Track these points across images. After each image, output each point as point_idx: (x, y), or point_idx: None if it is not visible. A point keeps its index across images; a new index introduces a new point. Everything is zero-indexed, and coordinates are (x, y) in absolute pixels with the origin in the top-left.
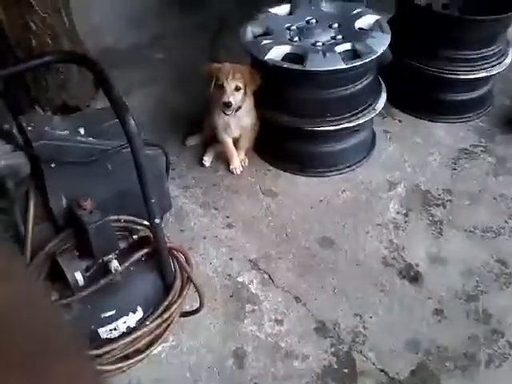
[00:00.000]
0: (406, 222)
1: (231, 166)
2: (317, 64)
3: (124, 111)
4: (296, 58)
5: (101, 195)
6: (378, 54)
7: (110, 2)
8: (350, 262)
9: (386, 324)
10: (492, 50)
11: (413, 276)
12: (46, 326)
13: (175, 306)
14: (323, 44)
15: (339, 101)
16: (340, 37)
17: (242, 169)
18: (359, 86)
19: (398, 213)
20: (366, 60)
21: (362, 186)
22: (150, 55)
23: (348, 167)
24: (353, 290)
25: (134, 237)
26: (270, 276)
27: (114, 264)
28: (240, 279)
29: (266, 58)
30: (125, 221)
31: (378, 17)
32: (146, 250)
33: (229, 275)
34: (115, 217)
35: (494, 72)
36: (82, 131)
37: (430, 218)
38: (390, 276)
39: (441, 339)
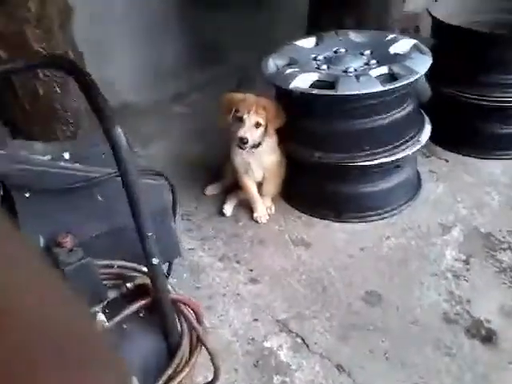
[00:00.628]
0: (467, 270)
1: (255, 214)
2: (350, 88)
3: (111, 124)
4: (325, 85)
5: (88, 232)
6: (420, 75)
7: (129, 56)
8: (402, 320)
9: None
10: None
11: (485, 335)
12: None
13: (181, 375)
14: (355, 70)
15: (377, 131)
16: (374, 62)
17: (268, 217)
18: (399, 115)
19: (456, 260)
20: (407, 81)
21: (409, 232)
22: (169, 109)
23: (391, 210)
24: (410, 355)
25: (129, 285)
26: (303, 340)
27: (100, 319)
28: (267, 344)
29: (291, 86)
30: (119, 266)
31: (414, 41)
32: (143, 302)
33: (252, 339)
34: (105, 261)
35: None
36: (66, 156)
37: (498, 265)
38: (455, 336)
39: None
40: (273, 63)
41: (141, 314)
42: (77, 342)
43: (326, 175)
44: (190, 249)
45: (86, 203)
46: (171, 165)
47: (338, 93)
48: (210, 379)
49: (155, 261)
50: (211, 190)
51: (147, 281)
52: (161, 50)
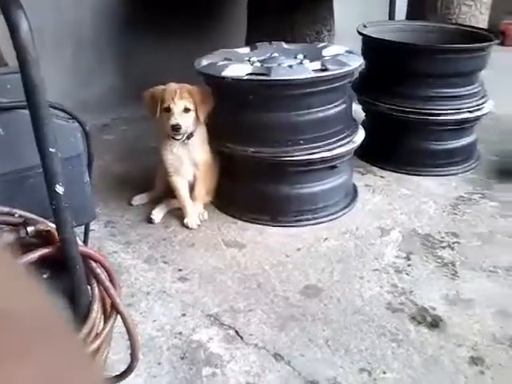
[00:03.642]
0: (409, 265)
1: (185, 220)
2: (282, 74)
3: (13, 7)
4: (259, 76)
5: None
6: (352, 68)
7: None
8: (344, 310)
9: (407, 380)
10: (471, 89)
11: (431, 321)
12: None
13: (90, 348)
14: (290, 66)
15: (312, 125)
16: (307, 61)
17: (199, 223)
18: (334, 110)
19: (396, 257)
20: (339, 71)
21: (347, 234)
22: (98, 137)
23: (328, 215)
24: (353, 342)
25: (29, 229)
26: (236, 332)
27: None
28: (195, 337)
29: (223, 74)
30: (20, 216)
31: (346, 48)
32: (45, 250)
33: (179, 333)
34: (3, 207)
35: (477, 114)
36: None
37: (439, 261)
38: (401, 323)
39: None
40: (206, 61)
41: (40, 269)
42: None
43: (260, 175)
44: (111, 252)
45: None
46: (99, 180)
47: (272, 78)
48: (125, 368)
49: (59, 189)
50: (138, 199)
51: (53, 229)
52: (90, 84)
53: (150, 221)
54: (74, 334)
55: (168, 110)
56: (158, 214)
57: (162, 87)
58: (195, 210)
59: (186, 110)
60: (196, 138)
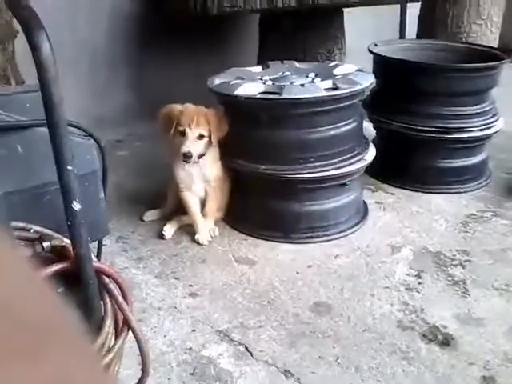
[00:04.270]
0: (420, 283)
1: (197, 236)
2: (294, 93)
3: (35, 28)
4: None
5: (2, 187)
6: (363, 87)
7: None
8: (355, 328)
9: None
10: (482, 107)
11: (442, 340)
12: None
13: (103, 363)
14: (301, 85)
15: (323, 143)
16: (319, 79)
17: (210, 239)
18: (345, 128)
19: (407, 275)
20: (350, 90)
21: (358, 251)
22: (111, 153)
23: (339, 232)
24: (364, 360)
25: (45, 244)
26: (246, 348)
27: None
28: (205, 353)
29: (236, 92)
30: (36, 231)
31: (357, 67)
32: (60, 266)
33: (190, 349)
34: (20, 223)
35: (487, 132)
36: None
37: (450, 279)
38: (412, 341)
39: None
40: (218, 80)
41: (58, 290)
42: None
43: (271, 192)
44: (123, 268)
45: (3, 152)
46: (111, 195)
47: (284, 96)
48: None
49: (76, 206)
50: (149, 215)
51: (68, 245)
52: (104, 101)
53: (161, 236)
54: (87, 339)
55: (183, 134)
56: (169, 229)
57: (179, 108)
58: (206, 226)
59: (201, 137)
60: (208, 157)
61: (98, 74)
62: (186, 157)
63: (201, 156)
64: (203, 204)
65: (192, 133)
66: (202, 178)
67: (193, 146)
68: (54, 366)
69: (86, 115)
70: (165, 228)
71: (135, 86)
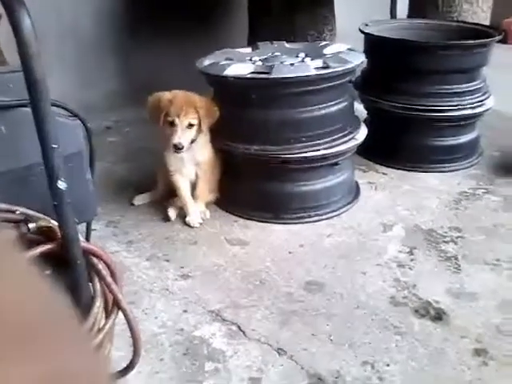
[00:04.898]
0: (412, 260)
1: (187, 218)
2: (284, 72)
3: (16, 3)
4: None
5: None
6: (354, 65)
7: (62, 88)
8: (347, 305)
9: (411, 372)
10: (473, 85)
11: (435, 315)
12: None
13: (92, 344)
14: (291, 65)
15: (314, 122)
16: (309, 59)
17: (201, 221)
18: (336, 107)
19: (399, 252)
20: (341, 68)
21: (350, 230)
22: (101, 139)
23: (331, 212)
24: (357, 336)
25: (31, 225)
26: (239, 327)
27: None
28: (197, 333)
29: (225, 73)
30: (21, 213)
31: (348, 46)
32: (47, 246)
33: (181, 330)
34: (4, 205)
35: (479, 110)
36: None
37: (442, 255)
38: (405, 316)
39: None
40: (208, 61)
41: (46, 272)
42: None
43: (262, 173)
44: (114, 252)
45: None
46: (102, 181)
47: (273, 76)
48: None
49: (61, 185)
50: (140, 199)
51: (55, 226)
52: (92, 87)
53: (167, 219)
54: (79, 324)
55: (172, 124)
56: (173, 211)
57: (168, 97)
58: (197, 209)
59: (190, 126)
60: (199, 142)
61: (85, 61)
62: (177, 148)
63: (192, 141)
64: (193, 187)
65: (181, 123)
66: (193, 161)
67: (183, 136)
68: (47, 361)
69: (74, 102)
70: (169, 210)
71: (123, 72)
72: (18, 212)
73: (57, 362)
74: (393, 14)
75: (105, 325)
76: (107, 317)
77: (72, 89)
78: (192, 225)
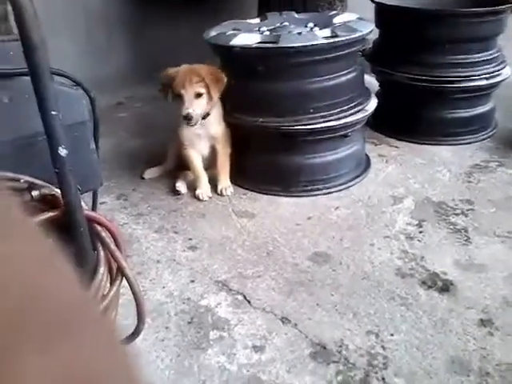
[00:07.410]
0: (420, 232)
1: (197, 191)
2: (292, 41)
3: None
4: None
5: None
6: (363, 34)
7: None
8: (353, 276)
9: (415, 342)
10: (487, 55)
11: (442, 286)
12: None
13: None
14: (299, 34)
15: (323, 93)
16: (317, 28)
17: (210, 195)
18: (345, 78)
19: (408, 224)
20: (349, 37)
21: (359, 203)
22: (112, 115)
23: (340, 185)
24: (362, 306)
25: (34, 193)
26: (245, 297)
27: None
28: (203, 303)
29: (232, 43)
30: (26, 182)
31: (357, 15)
32: (50, 214)
33: (188, 299)
34: (9, 173)
35: (494, 81)
36: None
37: (451, 227)
38: (411, 287)
39: (499, 355)
40: (215, 32)
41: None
42: (64, 309)
43: (270, 145)
44: (123, 224)
45: None
46: (112, 156)
47: (280, 45)
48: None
49: (62, 151)
50: (150, 173)
51: (58, 194)
52: (103, 63)
53: (177, 193)
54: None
55: (180, 96)
56: (182, 184)
57: (172, 71)
58: (222, 185)
59: (198, 95)
60: (212, 116)
61: (96, 36)
62: (188, 119)
63: (205, 116)
64: (206, 162)
65: (188, 93)
66: (207, 136)
67: (192, 106)
68: (75, 359)
69: (84, 78)
70: (178, 183)
71: (135, 48)
72: (22, 180)
73: (85, 362)
74: None
75: (109, 292)
76: (111, 284)
77: (83, 65)
78: (202, 198)
